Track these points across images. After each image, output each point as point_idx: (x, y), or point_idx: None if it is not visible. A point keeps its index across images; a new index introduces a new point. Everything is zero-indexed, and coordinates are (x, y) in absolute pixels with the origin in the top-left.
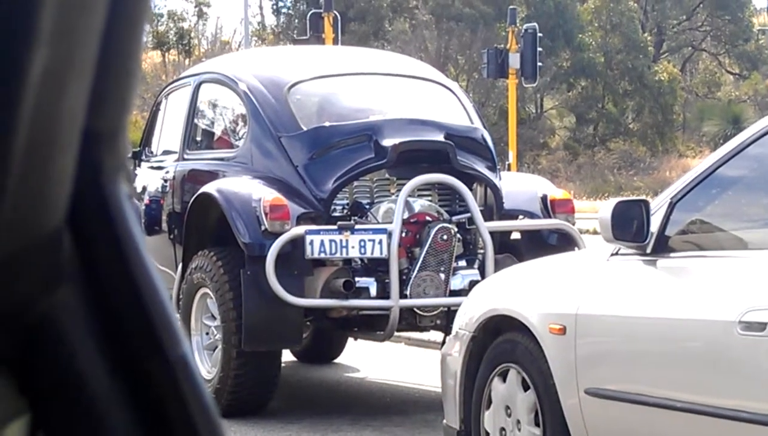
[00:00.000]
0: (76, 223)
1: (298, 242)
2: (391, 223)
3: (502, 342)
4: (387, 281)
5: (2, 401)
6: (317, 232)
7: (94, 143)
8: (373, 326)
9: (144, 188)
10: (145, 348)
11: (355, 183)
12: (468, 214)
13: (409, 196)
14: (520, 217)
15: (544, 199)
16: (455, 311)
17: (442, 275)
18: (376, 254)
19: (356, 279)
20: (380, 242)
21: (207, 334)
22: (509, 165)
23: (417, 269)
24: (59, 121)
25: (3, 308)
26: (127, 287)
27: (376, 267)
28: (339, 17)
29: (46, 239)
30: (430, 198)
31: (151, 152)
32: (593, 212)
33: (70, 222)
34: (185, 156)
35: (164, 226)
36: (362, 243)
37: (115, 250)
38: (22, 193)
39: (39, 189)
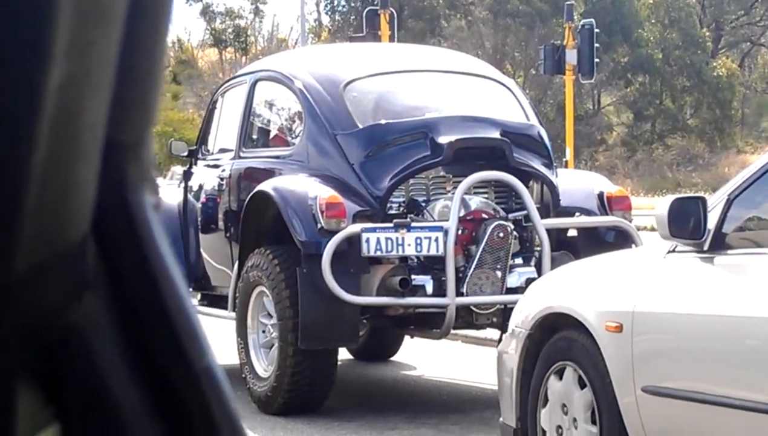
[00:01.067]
0: (101, 233)
1: (354, 240)
2: (447, 220)
3: (559, 340)
4: (443, 278)
5: (31, 412)
6: (373, 230)
7: (117, 154)
8: (429, 323)
9: (200, 187)
10: (170, 358)
11: (411, 181)
12: (524, 212)
13: (466, 193)
14: (577, 214)
15: (600, 196)
16: (512, 309)
17: (499, 273)
18: (433, 252)
19: (412, 277)
20: (436, 240)
21: (263, 332)
22: (566, 162)
23: (473, 266)
24: (79, 133)
25: (29, 318)
26: (151, 297)
27: (433, 265)
28: (395, 14)
29: (71, 249)
30: (486, 195)
31: (208, 150)
32: (651, 209)
33: (95, 233)
34: (241, 154)
35: (221, 224)
36: (418, 241)
37: (140, 260)
38: (44, 205)
39: (61, 200)
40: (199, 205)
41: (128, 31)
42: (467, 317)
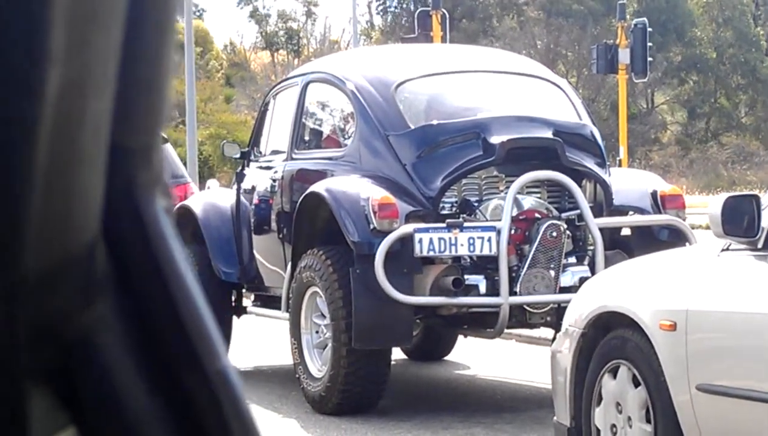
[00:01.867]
0: (112, 238)
1: (406, 241)
2: (500, 220)
3: (612, 339)
4: (496, 278)
5: (46, 416)
6: (426, 230)
7: (125, 159)
8: (483, 323)
9: (253, 188)
10: (182, 363)
11: (464, 181)
12: (577, 211)
13: (518, 193)
14: (630, 213)
15: (654, 194)
16: (565, 308)
17: (552, 272)
18: (485, 252)
19: (465, 277)
20: (489, 240)
21: (317, 332)
22: (620, 161)
23: (526, 266)
24: (82, 137)
25: (41, 321)
26: (164, 301)
27: (486, 264)
28: (447, 15)
29: (80, 253)
30: (539, 195)
31: (260, 152)
32: (705, 207)
33: (106, 238)
34: (293, 155)
35: (273, 225)
36: (471, 241)
37: (152, 264)
38: (49, 209)
39: (66, 205)
40: (251, 206)
41: (130, 31)
42: (521, 317)
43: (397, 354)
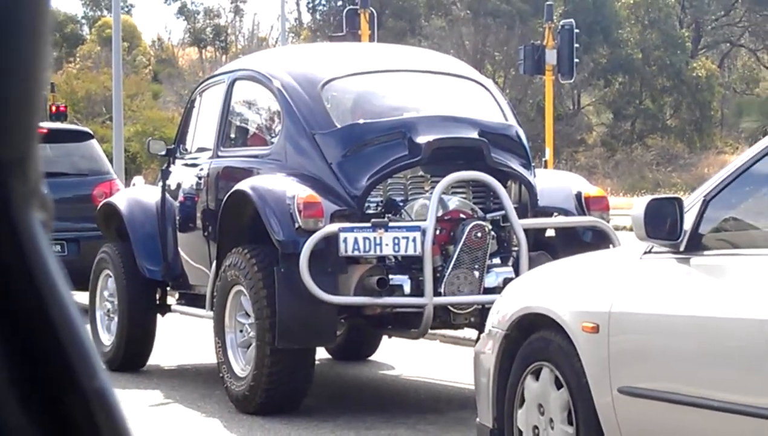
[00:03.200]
0: None
1: (331, 240)
2: (425, 220)
3: (535, 340)
4: (421, 278)
5: None
6: (351, 229)
7: (0, 171)
8: (407, 323)
9: (178, 185)
10: (59, 380)
11: (389, 180)
12: (502, 212)
13: (444, 193)
14: (555, 214)
15: (578, 196)
16: (489, 309)
17: (477, 273)
18: (410, 252)
19: (390, 277)
20: (414, 240)
21: (241, 331)
22: (546, 162)
23: (451, 266)
24: None
25: None
26: (39, 318)
27: (410, 265)
28: (375, 14)
29: None
30: (464, 195)
31: (186, 149)
32: (630, 209)
33: None
34: (219, 153)
35: (198, 223)
36: (396, 241)
37: (27, 279)
38: None
39: None
40: (177, 204)
41: None
42: (445, 317)
43: (322, 354)
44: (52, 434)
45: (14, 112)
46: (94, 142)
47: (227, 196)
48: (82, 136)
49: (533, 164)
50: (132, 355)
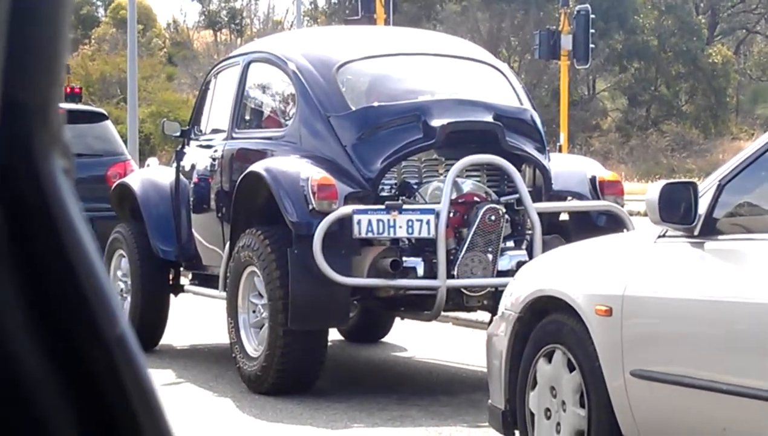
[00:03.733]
0: (7, 197)
1: (345, 222)
2: (439, 203)
3: (548, 323)
4: (434, 260)
5: None
6: (365, 211)
7: (21, 117)
8: (420, 305)
9: (193, 167)
10: (79, 327)
11: (404, 163)
12: (516, 195)
13: (458, 176)
14: (569, 198)
15: (593, 180)
16: (502, 292)
17: (490, 256)
18: (424, 234)
19: (403, 259)
20: (428, 222)
21: (254, 312)
22: (560, 146)
23: (464, 249)
24: None
25: None
26: (60, 264)
27: (424, 247)
28: None
29: None
30: (478, 179)
31: (200, 131)
32: (644, 194)
33: (1, 196)
34: (234, 135)
35: (212, 204)
36: (410, 223)
37: (48, 226)
38: None
39: None
40: (191, 185)
41: None
42: (458, 300)
43: (334, 335)
44: (74, 382)
45: (38, 57)
46: (108, 123)
47: (241, 177)
48: (96, 117)
49: (548, 148)
50: (145, 335)
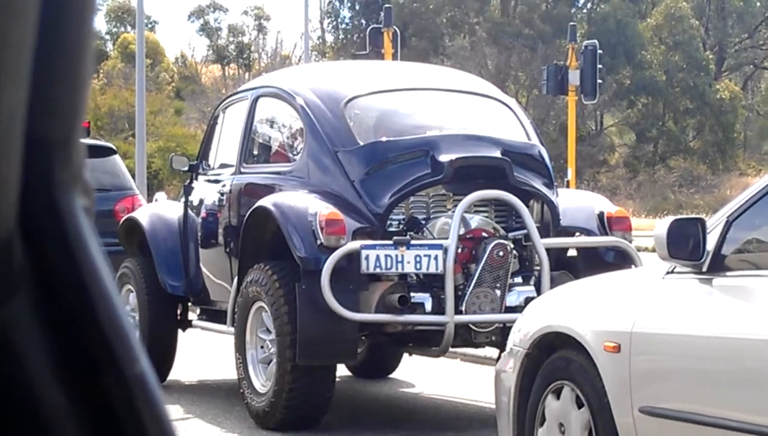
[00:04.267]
0: (28, 233)
1: (353, 257)
2: (447, 238)
3: (557, 359)
4: (442, 296)
5: None
6: (373, 247)
7: (43, 152)
8: (428, 341)
9: (201, 201)
10: (100, 365)
11: (412, 198)
12: (524, 231)
13: (466, 212)
14: (577, 234)
15: (600, 216)
16: (510, 328)
17: (498, 291)
18: (432, 270)
19: (411, 294)
20: (436, 258)
21: (262, 347)
22: (568, 182)
23: (473, 284)
24: None
25: None
26: (81, 301)
27: (432, 283)
28: (398, 33)
29: None
30: (486, 214)
31: (208, 166)
32: (652, 230)
33: (22, 233)
34: (242, 169)
35: (220, 239)
36: (418, 258)
37: (68, 262)
38: None
39: None
40: (199, 220)
41: (46, 22)
42: (466, 336)
43: (342, 371)
44: (94, 420)
45: (60, 93)
46: (117, 157)
47: (249, 212)
48: (105, 152)
49: (556, 184)
50: (153, 370)
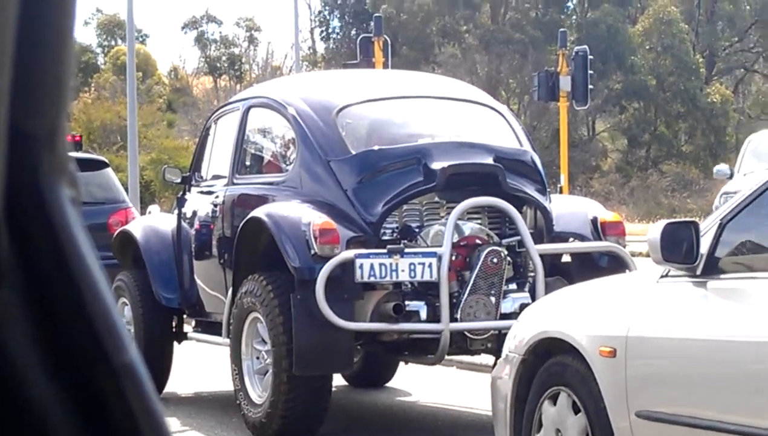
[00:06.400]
0: (15, 225)
1: (347, 266)
2: (440, 246)
3: (553, 365)
4: (437, 304)
5: None
6: (367, 256)
7: (29, 144)
8: (423, 349)
9: (194, 213)
10: (87, 354)
11: (405, 206)
12: (518, 237)
13: (459, 219)
14: (571, 239)
15: (594, 221)
16: (506, 334)
17: (493, 298)
18: (426, 278)
19: (406, 303)
20: (430, 266)
21: (258, 358)
22: (561, 188)
23: (467, 292)
24: None
25: None
26: (67, 290)
27: (427, 291)
28: (389, 42)
29: None
30: (479, 221)
31: (201, 177)
32: (645, 235)
33: (9, 225)
34: (235, 181)
35: (214, 250)
36: (412, 266)
37: (55, 252)
38: None
39: None
40: (192, 231)
41: (26, 16)
42: (461, 343)
43: (338, 380)
44: (82, 408)
45: (43, 86)
46: (109, 170)
47: (243, 223)
48: (97, 165)
49: (549, 190)
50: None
